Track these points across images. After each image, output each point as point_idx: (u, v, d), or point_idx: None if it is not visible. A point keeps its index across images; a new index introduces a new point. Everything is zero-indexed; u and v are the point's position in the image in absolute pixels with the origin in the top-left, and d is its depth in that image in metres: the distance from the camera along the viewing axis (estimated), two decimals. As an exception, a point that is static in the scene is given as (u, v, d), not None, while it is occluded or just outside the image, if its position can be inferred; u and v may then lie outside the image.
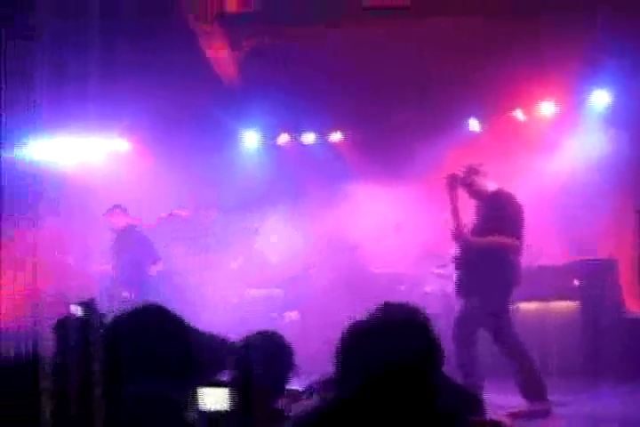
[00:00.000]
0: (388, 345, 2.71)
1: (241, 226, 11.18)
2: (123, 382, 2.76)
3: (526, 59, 10.04)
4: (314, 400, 2.88)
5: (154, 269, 10.34)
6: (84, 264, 10.95)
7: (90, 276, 10.60)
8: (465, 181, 7.71)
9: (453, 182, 7.70)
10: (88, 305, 4.80)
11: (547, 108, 11.13)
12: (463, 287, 7.77)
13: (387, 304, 3.00)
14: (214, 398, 3.23)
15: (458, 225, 7.61)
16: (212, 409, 3.17)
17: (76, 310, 4.74)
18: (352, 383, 2.70)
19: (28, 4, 8.72)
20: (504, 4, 9.78)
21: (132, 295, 9.82)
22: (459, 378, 6.61)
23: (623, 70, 10.06)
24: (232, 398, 3.26)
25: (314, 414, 2.71)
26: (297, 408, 3.29)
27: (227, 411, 3.25)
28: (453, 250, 9.11)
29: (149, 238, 10.52)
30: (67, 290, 9.65)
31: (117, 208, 10.49)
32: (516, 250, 7.57)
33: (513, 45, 9.96)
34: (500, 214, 7.54)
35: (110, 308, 3.88)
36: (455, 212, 7.63)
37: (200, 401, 3.02)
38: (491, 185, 7.76)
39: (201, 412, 3.01)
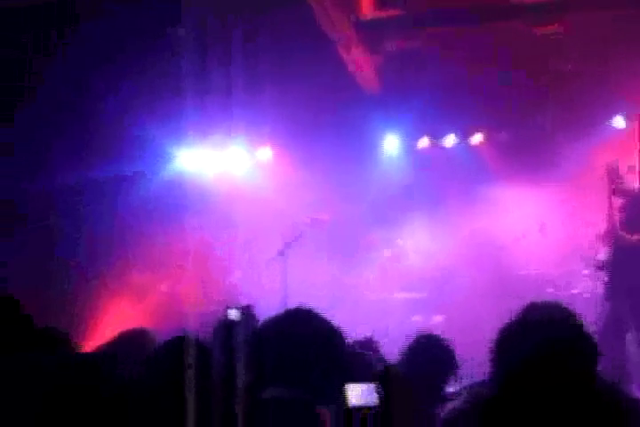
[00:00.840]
0: (538, 344, 2.71)
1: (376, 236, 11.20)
2: (265, 386, 2.83)
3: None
4: (461, 401, 2.88)
5: None
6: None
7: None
8: (619, 176, 7.57)
9: (612, 175, 7.56)
10: (245, 309, 4.92)
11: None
12: (611, 289, 7.61)
13: (533, 304, 2.99)
14: (361, 394, 3.25)
15: (612, 223, 7.46)
16: (358, 405, 3.20)
17: (233, 315, 4.86)
18: (508, 383, 2.71)
19: (174, 18, 8.99)
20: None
21: None
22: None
23: None
24: (381, 395, 3.27)
25: (464, 413, 2.73)
26: (446, 410, 3.29)
27: (374, 407, 3.27)
28: (602, 250, 8.94)
29: None
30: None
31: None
32: None
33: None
34: None
35: None
36: (610, 206, 7.50)
37: (346, 397, 3.05)
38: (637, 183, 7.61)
39: (345, 408, 3.05)
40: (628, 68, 10.12)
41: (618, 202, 7.66)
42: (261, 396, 2.80)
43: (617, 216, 7.59)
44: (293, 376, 2.94)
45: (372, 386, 3.17)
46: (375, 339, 5.65)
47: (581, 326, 2.81)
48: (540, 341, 2.73)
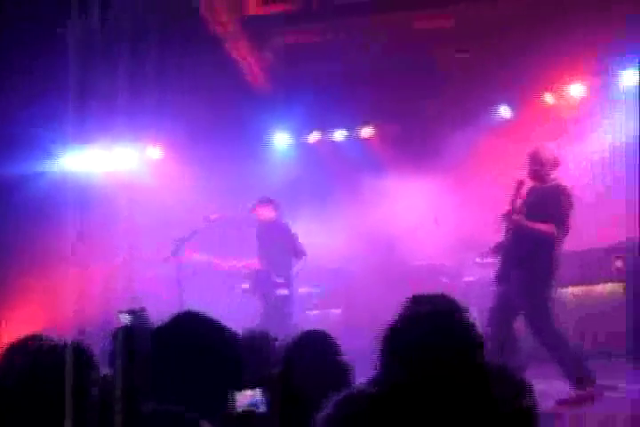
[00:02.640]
0: (424, 336, 2.72)
1: None
2: (147, 397, 2.76)
3: (554, 41, 9.96)
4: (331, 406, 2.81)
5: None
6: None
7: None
8: (541, 161, 7.67)
9: (520, 186, 7.69)
10: (136, 314, 4.80)
11: (576, 90, 11.02)
12: (502, 274, 7.75)
13: (415, 296, 2.99)
14: (247, 400, 3.21)
15: (512, 208, 7.58)
16: (244, 411, 3.15)
17: (125, 319, 4.74)
18: (395, 378, 2.70)
19: (56, 19, 8.81)
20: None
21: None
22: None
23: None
24: (268, 400, 3.23)
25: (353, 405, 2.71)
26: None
27: (260, 413, 3.23)
28: (494, 239, 9.08)
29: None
30: None
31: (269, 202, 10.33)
32: (559, 241, 7.56)
33: (540, 28, 9.90)
34: (550, 209, 7.53)
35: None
36: (518, 190, 7.61)
37: (233, 403, 3.00)
38: (554, 176, 7.73)
39: (232, 415, 3.00)
40: (513, 59, 10.29)
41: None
42: (141, 409, 2.72)
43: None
44: (178, 387, 2.86)
45: (259, 391, 3.14)
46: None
47: (466, 315, 2.81)
48: (424, 333, 2.73)
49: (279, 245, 10.01)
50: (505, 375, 2.81)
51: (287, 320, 9.60)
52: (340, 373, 4.21)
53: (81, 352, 2.85)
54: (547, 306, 7.44)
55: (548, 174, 7.70)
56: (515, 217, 7.58)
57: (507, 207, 7.63)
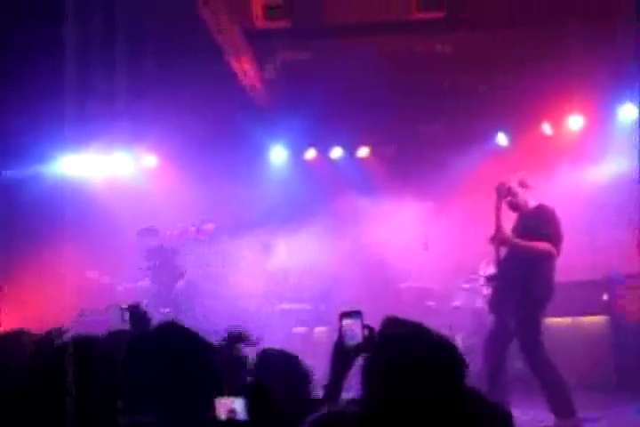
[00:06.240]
0: (393, 360, 2.71)
1: (255, 241, 11.17)
2: (127, 408, 2.74)
3: (554, 73, 10.04)
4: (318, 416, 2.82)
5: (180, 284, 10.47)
6: (113, 281, 11.03)
7: (119, 293, 10.71)
8: (512, 191, 7.72)
9: (502, 191, 7.70)
10: (131, 309, 4.72)
11: (575, 123, 11.08)
12: (496, 302, 7.75)
13: (388, 319, 3.00)
14: (227, 408, 3.19)
15: (499, 227, 7.59)
16: (226, 419, 3.13)
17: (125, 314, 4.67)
18: (373, 401, 2.70)
19: (55, 21, 8.81)
20: (530, 15, 9.78)
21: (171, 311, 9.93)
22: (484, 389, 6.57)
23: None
24: (248, 408, 3.21)
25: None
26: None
27: (241, 421, 3.21)
28: (483, 265, 9.10)
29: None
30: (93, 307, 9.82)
31: (152, 228, 10.62)
32: (554, 258, 7.56)
33: (540, 59, 9.96)
34: (542, 229, 7.54)
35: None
36: (498, 217, 7.63)
37: (213, 412, 2.98)
38: (531, 199, 7.76)
39: (213, 423, 2.97)
40: (511, 87, 10.35)
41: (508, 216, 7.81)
42: (120, 421, 2.69)
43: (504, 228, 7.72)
44: (157, 398, 2.83)
45: (240, 400, 3.12)
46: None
47: (439, 340, 2.80)
48: (394, 357, 2.72)
49: None
50: (484, 400, 2.81)
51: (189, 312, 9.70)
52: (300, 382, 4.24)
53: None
54: (539, 332, 7.45)
55: (525, 200, 7.75)
56: (501, 237, 7.59)
57: (494, 229, 7.66)
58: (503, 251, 7.67)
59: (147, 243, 10.87)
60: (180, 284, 10.66)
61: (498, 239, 7.60)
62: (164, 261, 10.67)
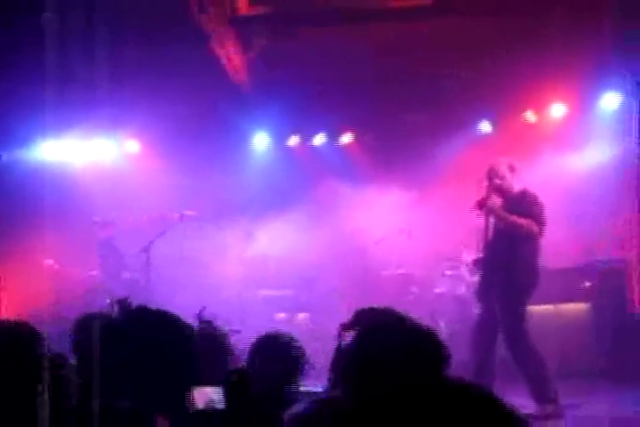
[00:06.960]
0: (370, 351, 2.68)
1: (236, 229, 11.16)
2: (104, 392, 2.72)
3: (537, 60, 10.04)
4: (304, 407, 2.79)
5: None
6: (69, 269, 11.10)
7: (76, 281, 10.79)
8: (500, 175, 7.74)
9: (492, 174, 7.74)
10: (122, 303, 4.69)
11: (557, 111, 11.09)
12: (482, 288, 7.78)
13: (362, 311, 2.98)
14: (207, 397, 3.18)
15: (489, 196, 7.64)
16: (204, 408, 3.11)
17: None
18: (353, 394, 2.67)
19: (35, 7, 8.74)
20: (515, 3, 9.79)
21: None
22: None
23: (633, 72, 10.03)
24: (227, 397, 3.18)
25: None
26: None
27: (218, 410, 3.19)
28: (463, 249, 9.13)
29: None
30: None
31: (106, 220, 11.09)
32: (536, 238, 7.58)
33: (524, 47, 9.96)
34: (526, 211, 7.58)
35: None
36: (489, 191, 7.67)
37: (191, 401, 2.95)
38: (516, 184, 7.80)
39: (192, 412, 2.95)
40: (496, 75, 10.34)
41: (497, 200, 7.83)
42: (96, 404, 2.67)
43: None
44: (134, 382, 2.79)
45: (218, 390, 3.10)
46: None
47: (415, 329, 2.75)
48: (371, 348, 2.69)
49: None
50: (471, 390, 2.76)
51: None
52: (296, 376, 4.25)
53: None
54: (524, 319, 7.48)
55: (511, 184, 7.76)
56: (491, 204, 7.62)
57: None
58: (491, 225, 7.72)
59: (98, 234, 11.20)
60: (125, 275, 10.91)
61: (487, 207, 7.64)
62: (111, 253, 11.07)
